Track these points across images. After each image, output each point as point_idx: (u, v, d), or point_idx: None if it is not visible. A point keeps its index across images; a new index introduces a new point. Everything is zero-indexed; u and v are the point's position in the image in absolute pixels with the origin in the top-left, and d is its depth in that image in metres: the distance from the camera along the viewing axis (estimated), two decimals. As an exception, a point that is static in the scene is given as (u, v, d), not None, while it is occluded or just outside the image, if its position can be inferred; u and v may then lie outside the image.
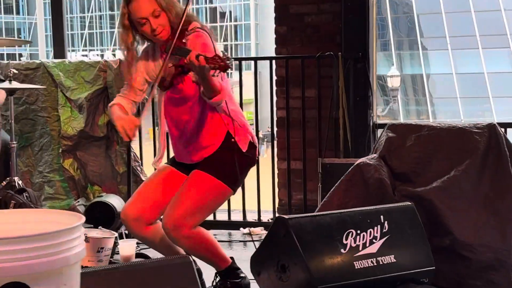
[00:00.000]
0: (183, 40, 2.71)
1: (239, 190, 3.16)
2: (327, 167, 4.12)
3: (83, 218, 1.51)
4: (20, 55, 36.26)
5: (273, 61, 4.61)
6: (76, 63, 4.59)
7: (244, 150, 2.80)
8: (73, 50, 42.47)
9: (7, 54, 37.43)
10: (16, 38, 40.37)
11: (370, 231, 2.51)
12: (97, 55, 37.37)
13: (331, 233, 2.45)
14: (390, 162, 2.96)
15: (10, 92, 3.90)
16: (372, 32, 4.34)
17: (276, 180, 4.60)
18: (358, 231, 2.48)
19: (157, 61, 2.86)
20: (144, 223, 2.83)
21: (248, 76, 5.30)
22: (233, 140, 2.78)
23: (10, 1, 42.45)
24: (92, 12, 43.64)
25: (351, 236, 2.46)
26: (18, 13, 42.45)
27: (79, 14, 43.93)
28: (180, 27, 2.65)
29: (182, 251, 2.93)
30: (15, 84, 3.87)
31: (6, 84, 3.85)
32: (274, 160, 4.56)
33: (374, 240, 2.50)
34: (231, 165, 2.78)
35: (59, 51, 5.05)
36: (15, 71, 3.91)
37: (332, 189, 3.00)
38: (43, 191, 4.57)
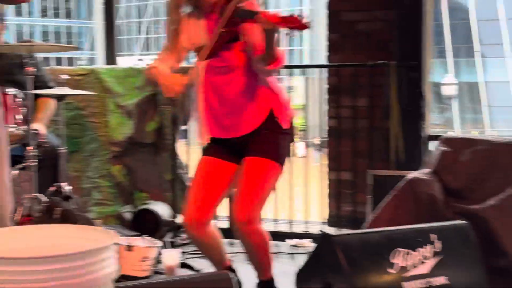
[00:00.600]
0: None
1: (287, 199, 3.09)
2: (378, 179, 4.01)
3: (117, 238, 1.44)
4: (79, 59, 37.01)
5: (325, 69, 4.51)
6: (126, 69, 4.58)
7: (286, 128, 2.74)
8: (130, 55, 43.15)
9: (68, 58, 38.31)
10: (76, 43, 41.26)
11: (421, 250, 2.39)
12: (153, 59, 37.77)
13: (379, 251, 2.34)
14: (443, 177, 2.83)
15: (60, 97, 3.90)
16: (427, 40, 4.19)
17: (325, 191, 4.49)
18: (408, 250, 2.36)
19: (201, 27, 2.75)
20: (205, 224, 2.77)
21: (298, 82, 5.21)
22: (276, 119, 2.72)
23: (69, 6, 43.40)
24: (149, 17, 44.23)
25: (401, 255, 2.35)
26: (78, 17, 43.35)
27: (137, 19, 44.61)
28: None
29: (226, 257, 2.89)
30: (66, 90, 3.87)
31: (57, 90, 3.85)
32: (324, 170, 4.44)
33: (425, 260, 2.38)
34: (280, 144, 2.73)
35: (110, 56, 5.05)
36: (67, 77, 3.90)
37: (381, 204, 2.88)
38: (91, 196, 4.57)
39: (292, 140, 2.83)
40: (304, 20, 2.29)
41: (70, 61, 34.00)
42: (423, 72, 4.17)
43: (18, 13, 40.32)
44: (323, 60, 4.62)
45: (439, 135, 3.14)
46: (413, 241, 2.38)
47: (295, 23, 2.30)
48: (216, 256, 2.88)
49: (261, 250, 2.75)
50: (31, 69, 3.53)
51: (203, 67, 2.75)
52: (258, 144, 2.71)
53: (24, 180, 3.88)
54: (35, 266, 1.29)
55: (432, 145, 4.27)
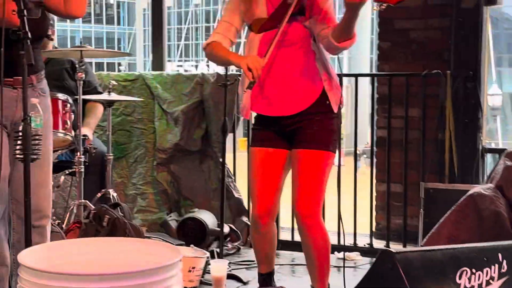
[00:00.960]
0: None
1: (334, 210, 3.03)
2: (430, 192, 3.87)
3: (181, 253, 1.36)
4: (119, 64, 37.41)
5: (375, 78, 4.39)
6: (173, 76, 4.53)
7: (336, 112, 2.71)
8: (169, 61, 43.44)
9: (107, 63, 38.71)
10: (115, 48, 41.73)
11: (487, 271, 2.26)
12: (192, 65, 38.00)
13: (443, 270, 2.21)
14: (508, 193, 2.69)
15: (108, 103, 3.87)
16: (484, 49, 4.05)
17: (374, 203, 4.37)
18: (473, 270, 2.24)
19: (260, 2, 2.68)
20: (274, 215, 2.81)
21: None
22: (327, 101, 2.68)
23: (111, 12, 43.93)
24: (189, 24, 44.49)
25: (466, 275, 2.22)
26: (118, 23, 43.84)
27: (177, 25, 44.90)
28: None
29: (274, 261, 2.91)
30: (114, 96, 3.83)
31: (105, 96, 3.82)
32: (372, 182, 4.32)
33: (491, 281, 2.25)
34: (333, 131, 2.71)
35: (158, 62, 5.01)
36: (114, 83, 3.87)
37: (441, 220, 2.76)
38: (136, 203, 4.53)
39: (341, 123, 2.83)
40: None
41: (110, 66, 34.37)
42: (480, 82, 4.02)
43: (60, 19, 41.00)
44: (365, 69, 4.50)
45: (503, 149, 2.99)
46: (479, 261, 2.26)
47: None
48: (268, 256, 2.90)
49: (322, 250, 2.72)
50: (81, 75, 3.49)
51: (257, 40, 2.69)
52: (311, 133, 2.68)
53: (72, 186, 3.86)
54: (106, 282, 1.22)
55: (488, 158, 4.13)
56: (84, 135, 3.76)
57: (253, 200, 2.81)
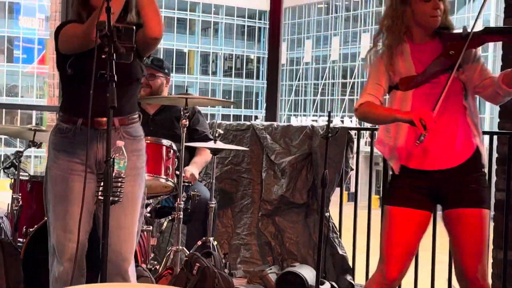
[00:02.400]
0: None
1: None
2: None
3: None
4: (256, 117, 38.25)
5: (494, 137, 4.10)
6: (283, 127, 4.50)
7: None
8: (304, 115, 43.93)
9: (244, 115, 39.76)
10: (253, 101, 42.73)
11: None
12: (326, 120, 38.11)
13: None
14: None
15: (213, 151, 3.88)
16: None
17: (490, 270, 4.02)
18: None
19: (407, 55, 2.63)
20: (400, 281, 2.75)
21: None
22: (481, 158, 2.63)
23: (251, 66, 45.29)
24: (325, 79, 44.90)
25: None
26: (258, 78, 45.07)
27: (313, 81, 45.45)
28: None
29: None
30: (219, 144, 3.84)
31: (210, 144, 3.83)
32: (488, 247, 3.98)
33: None
34: (487, 189, 2.67)
35: (270, 114, 5.01)
36: (221, 131, 3.88)
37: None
38: (240, 253, 4.47)
39: None
40: None
41: (247, 118, 35.22)
42: None
43: (205, 72, 42.80)
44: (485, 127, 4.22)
45: None
46: None
47: None
48: None
49: None
50: (185, 122, 3.52)
51: (409, 95, 2.65)
52: (471, 191, 2.60)
53: (172, 232, 3.87)
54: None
55: None
56: (188, 182, 3.79)
57: (389, 262, 2.66)
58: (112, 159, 2.22)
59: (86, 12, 2.61)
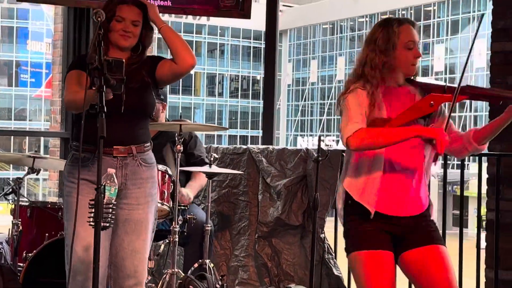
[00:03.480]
0: None
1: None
2: (542, 282, 3.56)
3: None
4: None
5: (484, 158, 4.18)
6: (278, 150, 4.58)
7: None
8: (310, 135, 43.98)
9: (251, 136, 39.86)
10: (260, 122, 42.83)
11: None
12: (333, 140, 38.21)
13: None
14: None
15: (209, 176, 3.96)
16: None
17: (482, 289, 4.09)
18: None
19: (379, 100, 2.60)
20: None
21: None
22: (430, 205, 2.70)
23: (258, 87, 45.45)
24: (331, 99, 44.98)
25: None
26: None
27: (320, 101, 45.57)
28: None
29: None
30: (214, 169, 3.93)
31: (205, 168, 3.92)
32: (480, 269, 4.05)
33: None
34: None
35: (267, 136, 5.10)
36: (216, 156, 3.97)
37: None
38: (238, 275, 4.54)
39: None
40: None
41: (254, 140, 35.31)
42: None
43: (211, 93, 42.99)
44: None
45: None
46: None
47: None
48: None
49: None
50: (179, 147, 3.62)
51: None
52: (432, 231, 2.64)
53: (168, 255, 3.94)
54: None
55: None
56: (184, 206, 3.88)
57: None
58: (103, 186, 2.31)
59: (105, 47, 2.72)
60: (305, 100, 45.67)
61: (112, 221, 2.41)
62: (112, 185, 2.40)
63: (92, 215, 2.30)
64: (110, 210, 2.39)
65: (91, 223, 2.32)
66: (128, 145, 2.73)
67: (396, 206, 2.61)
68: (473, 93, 2.58)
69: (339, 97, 2.66)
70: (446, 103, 2.64)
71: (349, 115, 2.54)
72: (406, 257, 2.61)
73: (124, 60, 2.44)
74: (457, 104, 2.62)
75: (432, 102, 2.52)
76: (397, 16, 2.59)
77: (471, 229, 15.02)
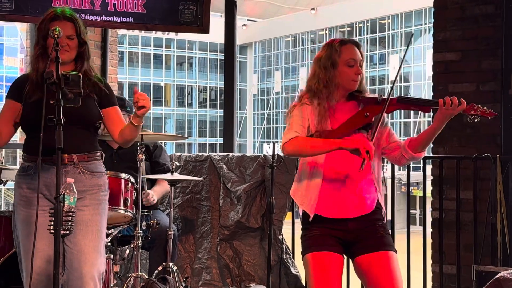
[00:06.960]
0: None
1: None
2: (482, 275, 3.62)
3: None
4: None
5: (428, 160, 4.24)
6: (238, 157, 4.59)
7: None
8: (276, 142, 44.02)
9: (219, 144, 39.77)
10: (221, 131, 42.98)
11: None
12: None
13: None
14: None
15: (171, 182, 3.95)
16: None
17: (429, 284, 4.14)
18: None
19: (324, 113, 2.64)
20: None
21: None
22: (381, 210, 2.68)
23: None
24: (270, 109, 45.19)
25: None
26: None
27: (284, 109, 45.72)
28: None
29: None
30: (176, 176, 3.92)
31: (168, 175, 3.91)
32: (426, 263, 4.10)
33: None
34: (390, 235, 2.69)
35: (228, 143, 5.11)
36: (177, 164, 3.96)
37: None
38: (201, 276, 4.53)
39: None
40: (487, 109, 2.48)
41: (218, 147, 35.25)
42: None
43: (181, 104, 42.82)
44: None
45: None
46: None
47: (481, 110, 2.48)
48: None
49: None
50: (141, 156, 3.61)
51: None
52: (380, 237, 2.63)
53: (133, 259, 3.92)
54: None
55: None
56: (148, 212, 3.88)
57: None
58: (62, 195, 2.30)
59: (44, 63, 2.70)
60: (270, 109, 45.75)
61: (72, 229, 2.39)
62: (71, 194, 2.38)
63: (52, 223, 2.28)
64: (70, 218, 2.37)
65: (51, 231, 2.30)
66: (70, 153, 2.69)
67: (336, 209, 2.62)
68: (404, 103, 2.64)
69: (289, 108, 2.73)
70: (389, 114, 2.72)
71: (291, 124, 2.64)
72: (357, 261, 2.64)
73: (81, 75, 2.43)
74: (413, 111, 2.69)
75: (367, 113, 2.61)
76: (344, 37, 2.65)
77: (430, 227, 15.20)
